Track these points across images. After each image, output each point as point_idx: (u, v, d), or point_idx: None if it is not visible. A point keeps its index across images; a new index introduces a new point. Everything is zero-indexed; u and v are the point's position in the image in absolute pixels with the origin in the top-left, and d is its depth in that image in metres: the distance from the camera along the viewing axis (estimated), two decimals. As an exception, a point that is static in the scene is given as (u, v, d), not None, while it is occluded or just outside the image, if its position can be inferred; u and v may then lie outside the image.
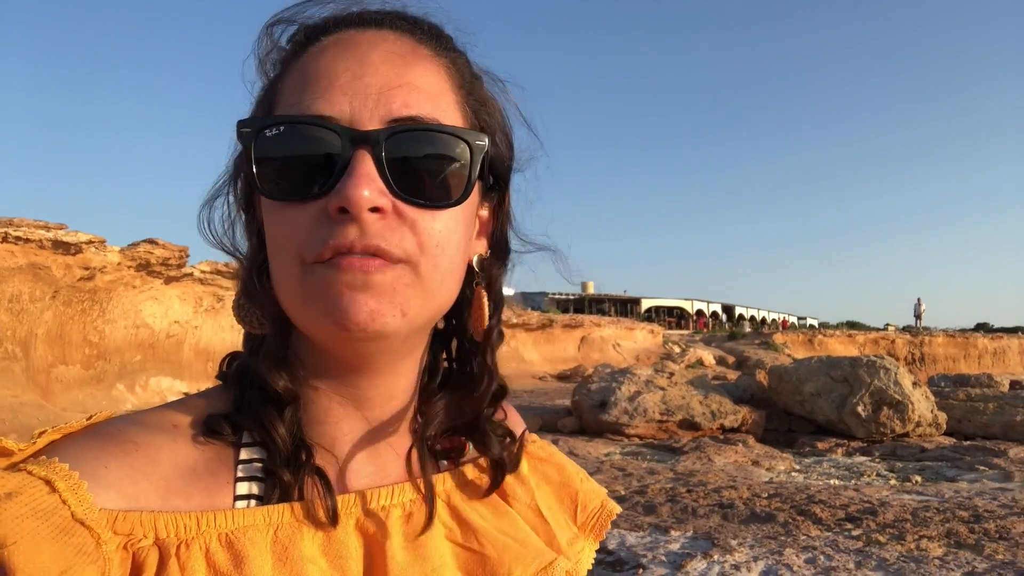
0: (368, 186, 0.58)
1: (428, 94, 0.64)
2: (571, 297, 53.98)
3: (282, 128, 0.61)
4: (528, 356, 28.20)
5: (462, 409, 0.76)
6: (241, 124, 0.63)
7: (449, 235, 0.64)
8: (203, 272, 14.85)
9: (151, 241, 13.88)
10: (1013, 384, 22.21)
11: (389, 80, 0.62)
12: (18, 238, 11.10)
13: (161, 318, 14.89)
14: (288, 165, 0.61)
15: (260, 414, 0.66)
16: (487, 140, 0.65)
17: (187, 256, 14.74)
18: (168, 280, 14.76)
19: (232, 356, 0.73)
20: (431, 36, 0.69)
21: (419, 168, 0.62)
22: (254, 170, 0.62)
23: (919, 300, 59.97)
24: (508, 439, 0.82)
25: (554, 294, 51.05)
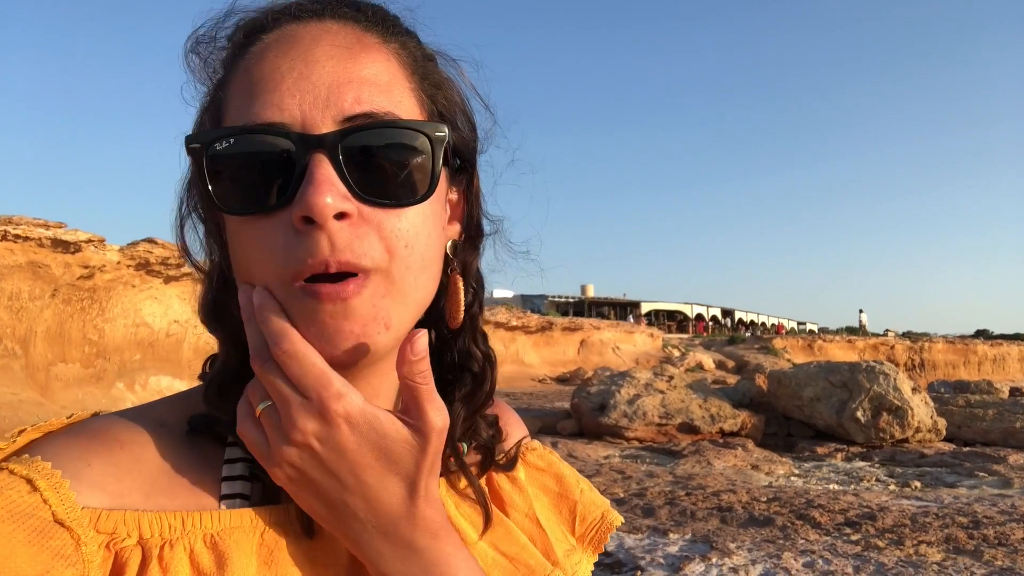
0: (329, 191, 0.56)
1: (380, 86, 0.61)
2: (571, 300, 54.01)
3: (232, 140, 0.58)
4: (528, 358, 28.18)
5: (451, 399, 0.75)
6: (189, 139, 0.60)
7: (417, 232, 0.61)
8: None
9: (150, 240, 13.88)
10: (1013, 391, 22.24)
11: (337, 76, 0.59)
12: (17, 236, 11.10)
13: (161, 317, 14.89)
14: (244, 178, 0.59)
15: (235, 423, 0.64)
16: (447, 130, 0.62)
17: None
18: (168, 280, 14.77)
19: (214, 358, 0.71)
20: (376, 21, 0.66)
21: (379, 167, 0.59)
22: (209, 187, 0.59)
23: (861, 312, 59.84)
24: (497, 433, 0.80)
25: (554, 297, 51.10)
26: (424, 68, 0.67)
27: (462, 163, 0.71)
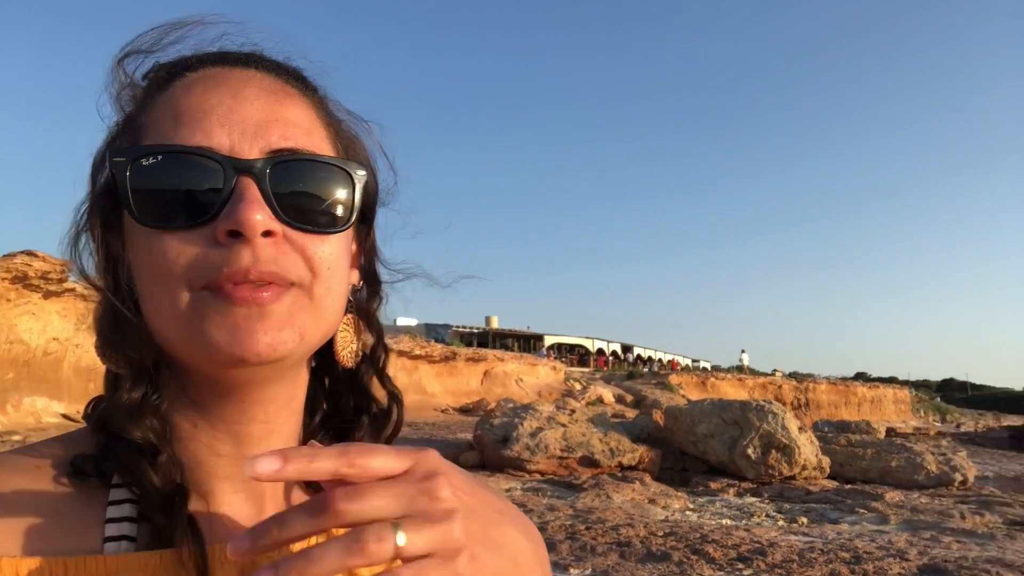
0: (260, 210, 0.58)
1: (303, 128, 0.65)
2: (475, 331, 54.00)
3: (160, 157, 0.59)
4: (430, 388, 27.92)
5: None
6: (114, 153, 0.60)
7: (338, 259, 0.64)
8: (87, 288, 14.06)
9: (29, 253, 13.06)
10: (889, 431, 23.67)
11: (264, 115, 0.62)
12: None
13: (38, 334, 13.94)
14: (167, 194, 0.59)
15: (129, 461, 0.61)
16: (365, 171, 0.66)
17: (69, 270, 13.93)
18: (47, 295, 13.89)
19: (98, 400, 0.68)
20: (296, 78, 0.70)
21: (303, 197, 0.62)
22: (131, 200, 0.59)
23: (743, 352, 63.77)
24: None
25: (458, 327, 51.00)
26: (338, 123, 0.72)
27: (363, 216, 0.72)
